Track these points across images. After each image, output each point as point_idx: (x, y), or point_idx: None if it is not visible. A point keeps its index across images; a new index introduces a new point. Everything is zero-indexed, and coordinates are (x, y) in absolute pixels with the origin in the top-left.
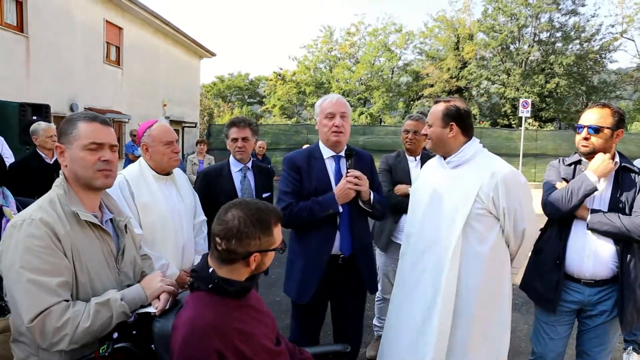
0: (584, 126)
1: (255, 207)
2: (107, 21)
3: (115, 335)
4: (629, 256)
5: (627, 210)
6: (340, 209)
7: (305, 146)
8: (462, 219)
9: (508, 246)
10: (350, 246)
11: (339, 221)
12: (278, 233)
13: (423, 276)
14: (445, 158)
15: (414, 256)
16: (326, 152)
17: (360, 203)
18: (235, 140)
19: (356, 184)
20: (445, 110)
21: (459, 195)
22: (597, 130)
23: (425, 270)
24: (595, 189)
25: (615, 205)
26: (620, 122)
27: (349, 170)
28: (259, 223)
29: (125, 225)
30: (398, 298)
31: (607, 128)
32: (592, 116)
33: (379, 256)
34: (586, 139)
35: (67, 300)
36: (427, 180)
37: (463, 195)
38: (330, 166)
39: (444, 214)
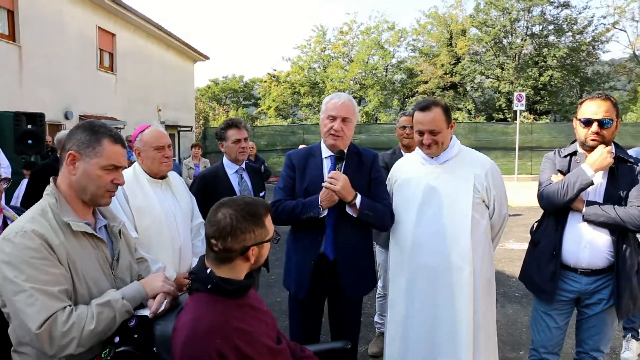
0: (594, 120)
1: (243, 202)
2: (99, 28)
3: (117, 339)
4: (624, 246)
5: (622, 201)
6: (325, 212)
7: (301, 146)
8: (467, 208)
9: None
10: (333, 250)
11: (326, 223)
12: (270, 224)
13: (430, 270)
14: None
15: (412, 252)
16: (325, 152)
17: (347, 208)
18: (237, 141)
19: (331, 183)
20: (444, 111)
21: (455, 188)
22: (607, 123)
23: (431, 266)
24: (591, 184)
25: (610, 196)
26: (618, 111)
27: (330, 173)
28: (251, 216)
29: (120, 230)
30: (402, 298)
31: (614, 120)
32: (598, 109)
33: (380, 253)
34: (598, 133)
35: (70, 306)
36: (414, 177)
37: (461, 187)
38: (327, 166)
39: (443, 207)
